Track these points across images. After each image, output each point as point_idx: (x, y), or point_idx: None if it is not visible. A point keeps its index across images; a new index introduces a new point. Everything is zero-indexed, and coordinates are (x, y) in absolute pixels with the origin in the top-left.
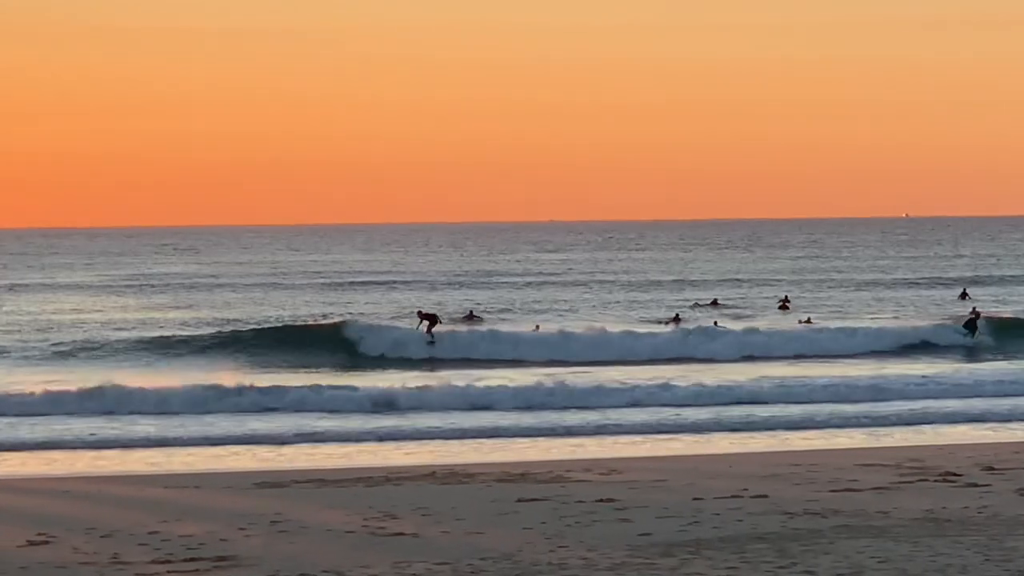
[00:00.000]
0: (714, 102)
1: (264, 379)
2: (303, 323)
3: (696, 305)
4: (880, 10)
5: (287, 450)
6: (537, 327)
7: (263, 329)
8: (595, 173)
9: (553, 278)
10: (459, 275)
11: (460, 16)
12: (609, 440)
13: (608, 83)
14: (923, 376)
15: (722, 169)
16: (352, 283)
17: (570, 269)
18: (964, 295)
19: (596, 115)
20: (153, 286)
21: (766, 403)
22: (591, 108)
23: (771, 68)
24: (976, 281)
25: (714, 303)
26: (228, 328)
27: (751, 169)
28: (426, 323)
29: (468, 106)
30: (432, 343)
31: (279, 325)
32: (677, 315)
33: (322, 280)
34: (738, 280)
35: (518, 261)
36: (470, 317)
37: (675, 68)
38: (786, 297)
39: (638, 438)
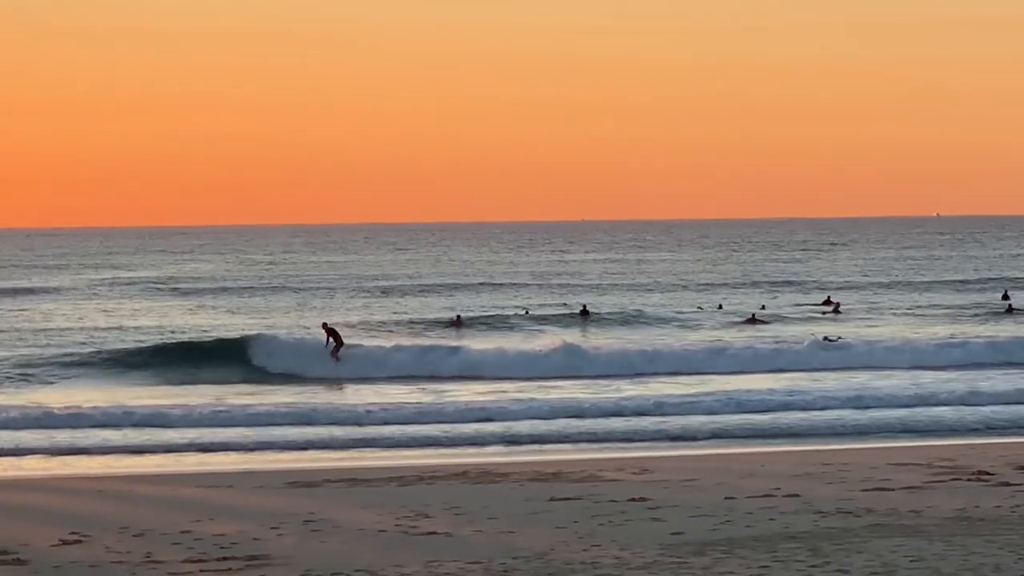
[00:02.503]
0: (744, 101)
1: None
2: (207, 338)
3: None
4: (910, 10)
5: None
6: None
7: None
8: (621, 172)
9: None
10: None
11: (475, 15)
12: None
13: (632, 81)
14: None
15: (749, 168)
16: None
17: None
18: (1006, 298)
19: (624, 113)
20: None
21: None
22: (620, 106)
23: (799, 67)
24: (1010, 280)
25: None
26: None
27: (777, 168)
28: (331, 340)
29: (496, 105)
30: (336, 360)
31: (179, 341)
32: (720, 305)
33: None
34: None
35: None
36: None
37: (705, 67)
38: (828, 298)
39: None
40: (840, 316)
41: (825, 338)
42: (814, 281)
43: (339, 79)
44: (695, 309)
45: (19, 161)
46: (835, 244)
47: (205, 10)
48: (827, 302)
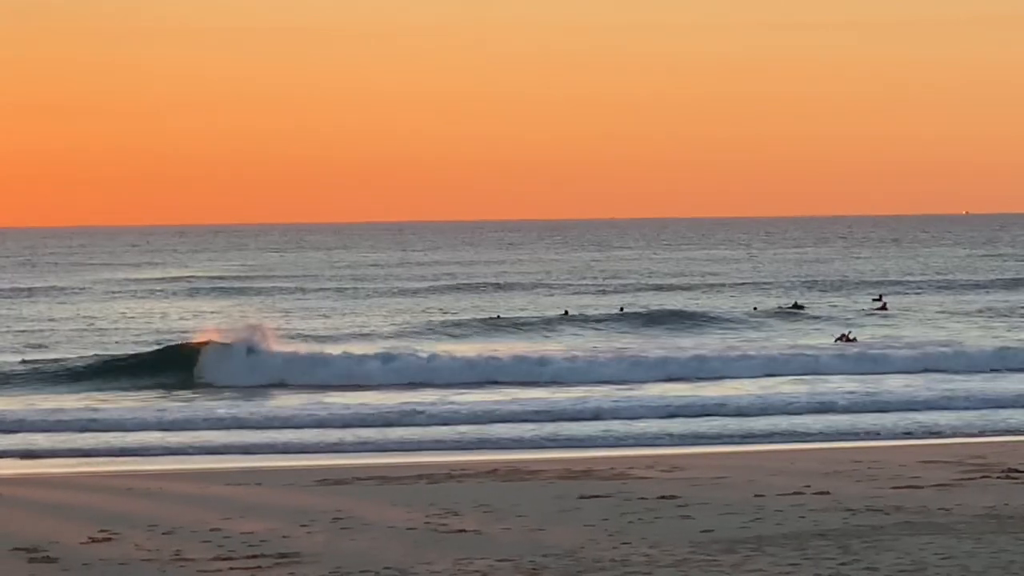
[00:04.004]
0: (769, 99)
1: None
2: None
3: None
4: (936, 9)
5: None
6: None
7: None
8: (640, 170)
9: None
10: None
11: (483, 13)
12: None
13: (644, 79)
14: None
15: (778, 166)
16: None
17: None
18: None
19: (639, 111)
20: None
21: None
22: (634, 104)
23: (825, 64)
24: None
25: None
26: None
27: (801, 166)
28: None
29: (504, 103)
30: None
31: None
32: (796, 303)
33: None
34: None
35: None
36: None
37: (727, 64)
38: (879, 295)
39: None
40: (887, 314)
41: (843, 336)
42: (866, 281)
43: (345, 77)
44: (752, 309)
45: (19, 161)
46: (887, 241)
47: (228, 9)
48: (877, 299)
